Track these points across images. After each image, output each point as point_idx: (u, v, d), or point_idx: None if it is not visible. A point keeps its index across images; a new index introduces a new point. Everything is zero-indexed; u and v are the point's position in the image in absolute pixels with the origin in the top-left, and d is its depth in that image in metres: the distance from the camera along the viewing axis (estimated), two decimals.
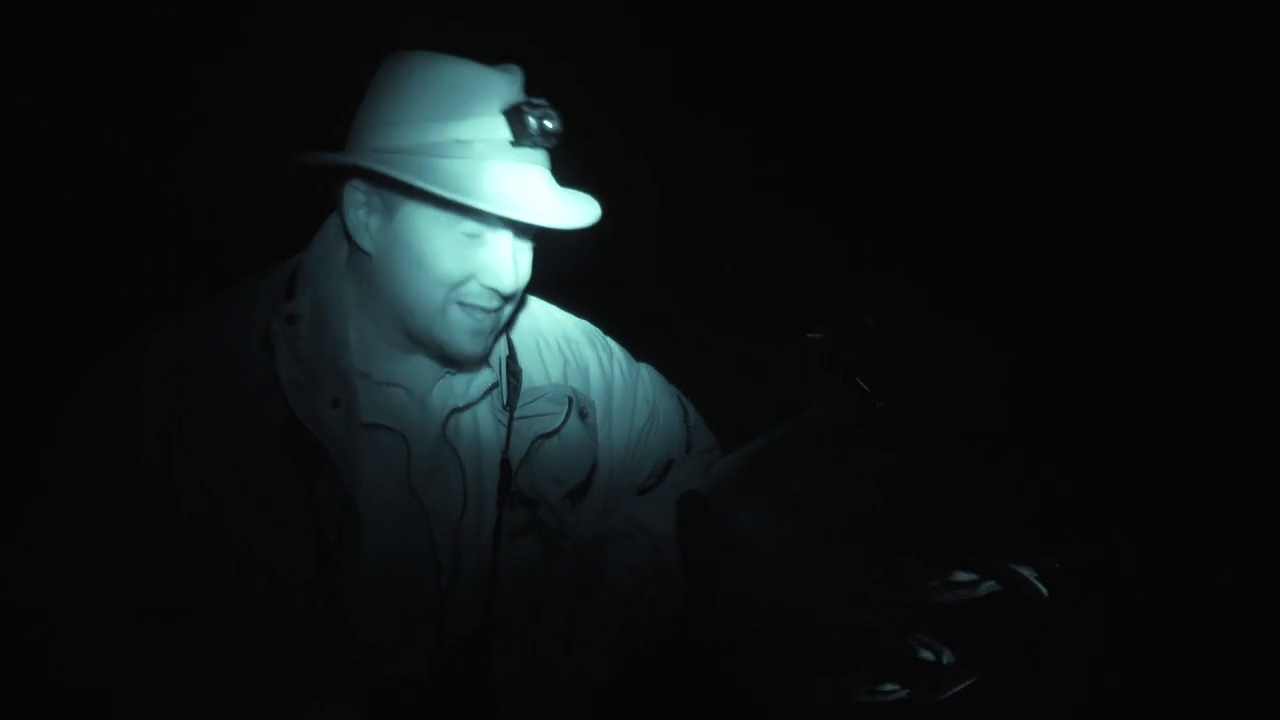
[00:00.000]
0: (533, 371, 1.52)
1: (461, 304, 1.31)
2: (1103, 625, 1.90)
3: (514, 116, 1.28)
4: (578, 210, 1.32)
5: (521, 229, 1.32)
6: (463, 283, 1.30)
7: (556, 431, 1.47)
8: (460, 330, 1.32)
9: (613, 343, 1.67)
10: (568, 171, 1.39)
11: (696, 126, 2.56)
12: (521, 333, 1.54)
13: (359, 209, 1.32)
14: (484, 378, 1.44)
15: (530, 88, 1.33)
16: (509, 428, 1.42)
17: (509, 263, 1.31)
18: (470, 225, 1.28)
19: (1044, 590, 1.71)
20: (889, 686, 1.78)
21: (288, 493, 1.26)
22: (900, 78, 2.46)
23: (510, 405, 1.44)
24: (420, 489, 1.35)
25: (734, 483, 2.01)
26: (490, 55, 1.35)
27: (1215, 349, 2.12)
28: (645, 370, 1.73)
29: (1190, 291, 2.16)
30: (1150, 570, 2.01)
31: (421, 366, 1.41)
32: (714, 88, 2.56)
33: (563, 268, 1.51)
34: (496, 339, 1.45)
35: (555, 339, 1.58)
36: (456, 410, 1.42)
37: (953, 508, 1.97)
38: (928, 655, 1.65)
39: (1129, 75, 2.26)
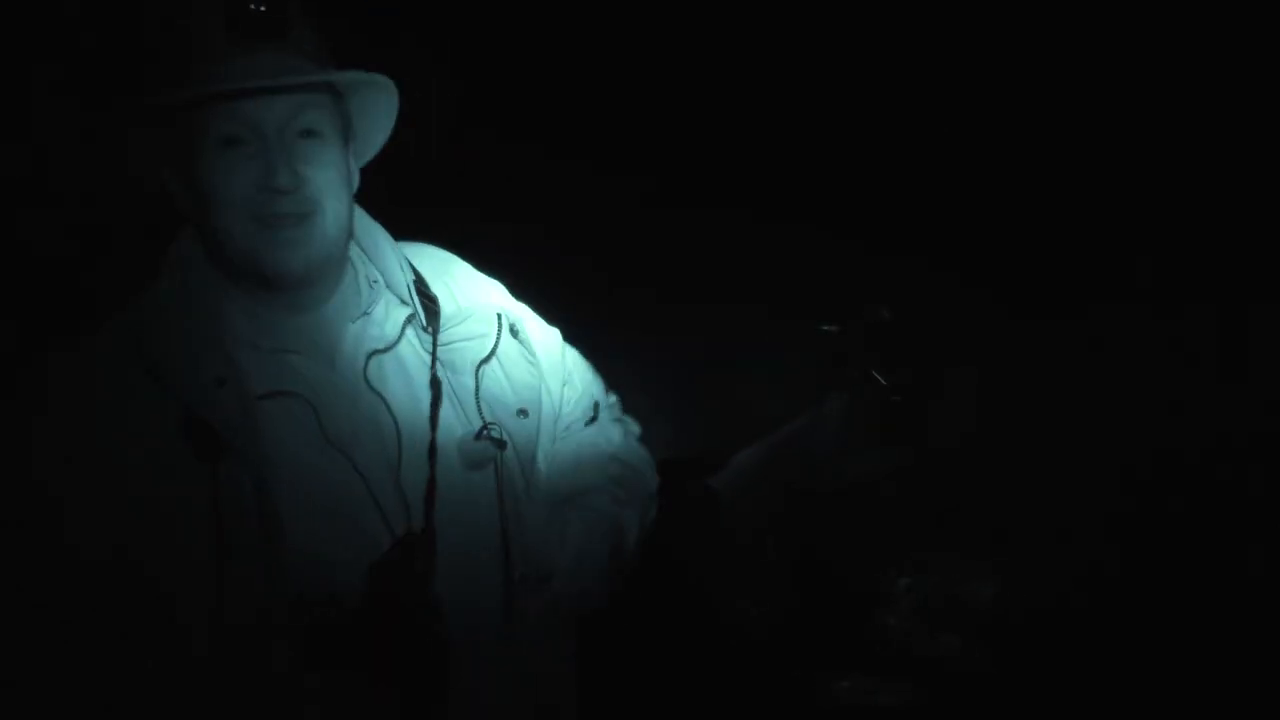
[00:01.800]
0: (446, 300, 1.45)
1: (257, 218, 1.28)
2: (1113, 626, 1.90)
3: (225, 6, 1.27)
4: (290, 71, 1.28)
5: (279, 125, 1.28)
6: (246, 196, 1.28)
7: (494, 353, 1.41)
8: (267, 244, 1.29)
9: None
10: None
11: (703, 126, 2.54)
12: (427, 268, 1.47)
13: (170, 181, 1.32)
14: (397, 313, 1.40)
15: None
16: (433, 348, 1.38)
17: (276, 156, 1.27)
18: (218, 128, 1.26)
19: (1066, 587, 1.71)
20: (901, 687, 1.78)
21: (190, 481, 1.21)
22: (913, 68, 2.45)
23: (433, 328, 1.39)
24: (348, 447, 1.30)
25: (749, 477, 1.99)
26: None
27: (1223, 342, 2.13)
28: (558, 332, 1.65)
29: (1193, 280, 2.17)
30: (1153, 571, 2.02)
31: (313, 322, 1.36)
32: (717, 87, 2.53)
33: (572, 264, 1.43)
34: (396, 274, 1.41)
35: (465, 277, 1.53)
36: (376, 353, 1.36)
37: (974, 502, 1.97)
38: (951, 654, 1.65)
39: (1130, 73, 2.27)
